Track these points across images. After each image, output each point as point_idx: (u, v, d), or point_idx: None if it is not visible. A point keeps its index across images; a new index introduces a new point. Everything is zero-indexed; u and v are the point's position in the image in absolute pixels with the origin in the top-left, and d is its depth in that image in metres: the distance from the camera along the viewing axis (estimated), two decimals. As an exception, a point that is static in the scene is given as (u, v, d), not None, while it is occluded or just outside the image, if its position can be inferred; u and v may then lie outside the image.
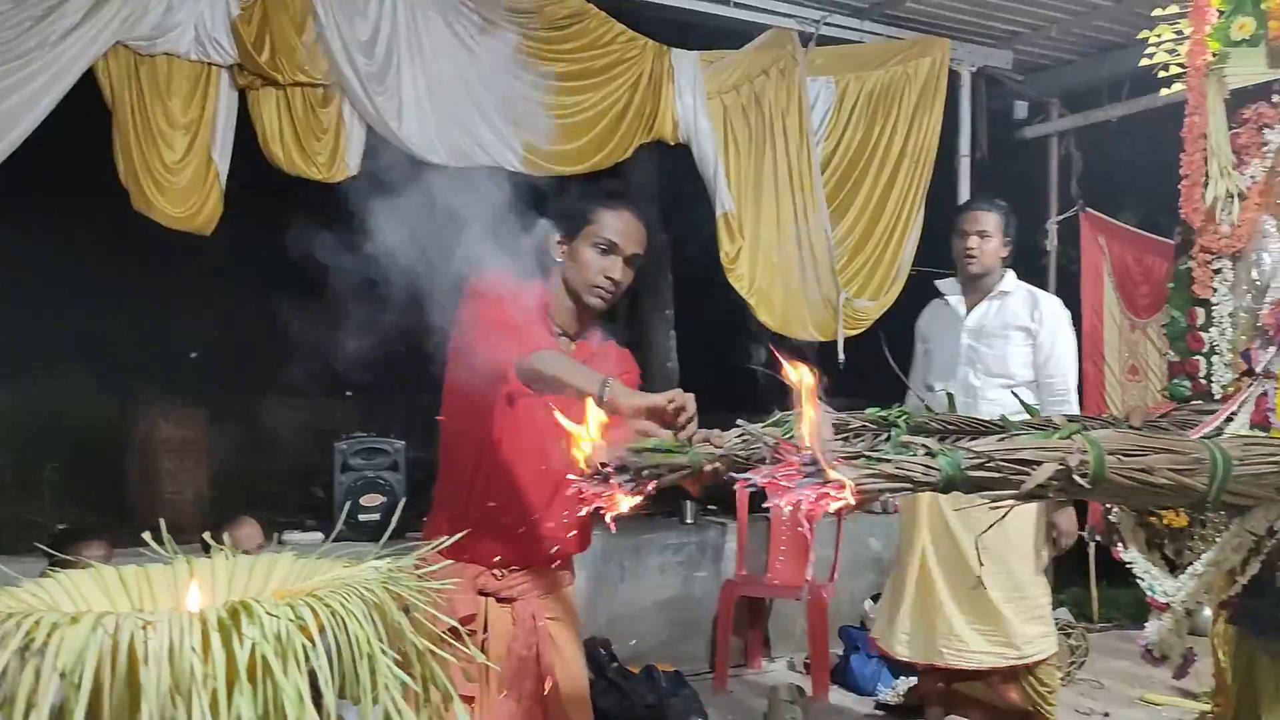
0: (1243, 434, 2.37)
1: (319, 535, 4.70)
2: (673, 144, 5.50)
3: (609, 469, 1.78)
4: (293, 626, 1.55)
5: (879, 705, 4.87)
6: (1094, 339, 6.66)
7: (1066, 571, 6.72)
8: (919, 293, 5.91)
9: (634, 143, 5.34)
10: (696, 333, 7.22)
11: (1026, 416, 2.56)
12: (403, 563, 1.83)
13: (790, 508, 1.60)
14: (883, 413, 2.39)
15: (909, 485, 1.62)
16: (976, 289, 4.20)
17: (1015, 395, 3.54)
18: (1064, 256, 6.74)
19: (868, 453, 1.64)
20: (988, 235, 4.10)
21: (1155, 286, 6.64)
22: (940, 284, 4.39)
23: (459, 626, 1.78)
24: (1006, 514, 2.09)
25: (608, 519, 1.81)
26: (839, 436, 2.23)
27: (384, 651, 1.66)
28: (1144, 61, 3.18)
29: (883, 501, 4.42)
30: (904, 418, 2.37)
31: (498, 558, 2.48)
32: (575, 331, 2.54)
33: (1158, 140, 3.22)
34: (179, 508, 5.46)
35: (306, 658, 1.55)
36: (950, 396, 2.78)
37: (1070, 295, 6.62)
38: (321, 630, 1.61)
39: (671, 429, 1.97)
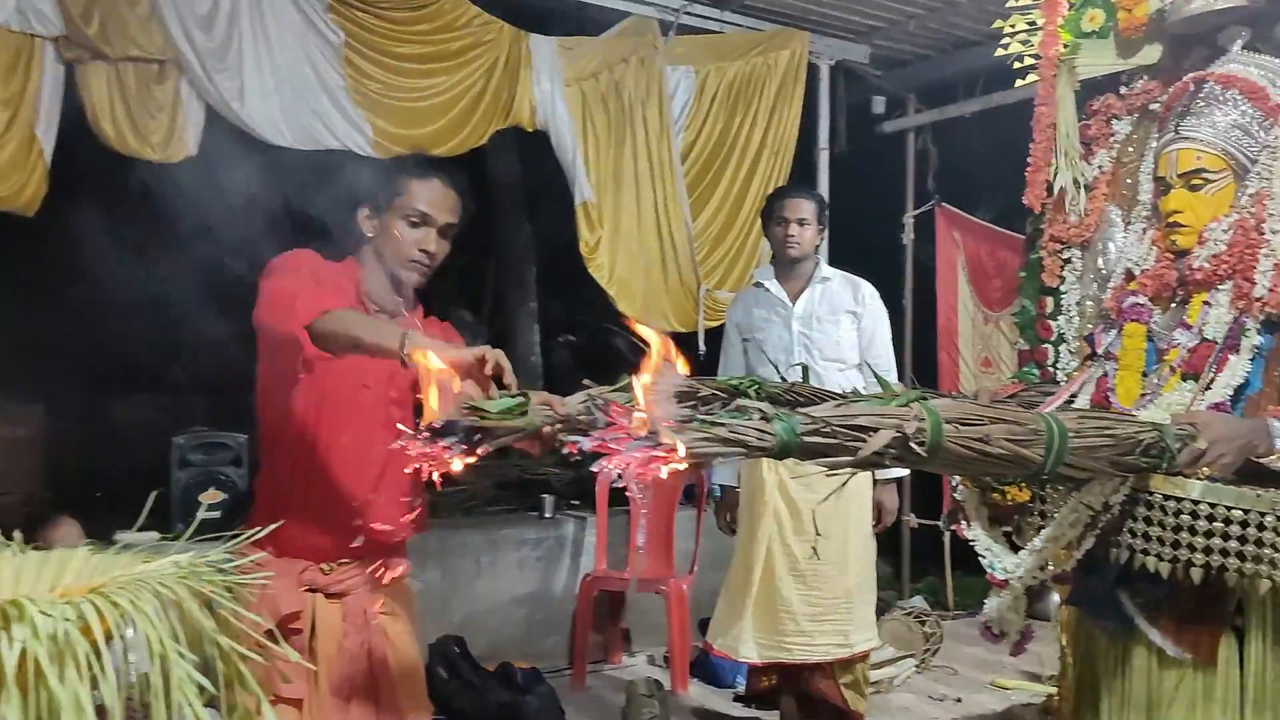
0: (1079, 408, 2.38)
1: (155, 535, 4.44)
2: (530, 131, 5.39)
3: (437, 428, 1.68)
4: (72, 627, 1.41)
5: (737, 697, 4.85)
6: (949, 331, 6.78)
7: (922, 560, 6.84)
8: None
9: (490, 128, 5.22)
10: (561, 325, 7.12)
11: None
12: (209, 557, 1.70)
13: (619, 472, 1.53)
14: (733, 380, 2.36)
15: (743, 450, 1.57)
16: (796, 276, 4.24)
17: (875, 373, 3.56)
18: (920, 251, 6.83)
19: (701, 416, 1.58)
20: (806, 222, 4.15)
21: (1008, 281, 6.78)
22: (757, 273, 4.46)
23: (274, 629, 1.64)
24: (846, 483, 2.06)
25: (435, 478, 1.71)
26: (687, 403, 2.18)
27: (181, 654, 1.53)
28: (999, 52, 3.20)
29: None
30: (754, 386, 2.34)
31: (324, 550, 2.35)
32: (394, 309, 2.42)
33: (1011, 137, 3.25)
34: (8, 509, 5.14)
35: (89, 662, 1.42)
36: (805, 369, 2.76)
37: (926, 288, 6.75)
38: (109, 636, 1.47)
39: (487, 388, 1.87)
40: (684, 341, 5.76)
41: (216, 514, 4.53)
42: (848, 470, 1.73)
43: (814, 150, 6.33)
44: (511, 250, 6.74)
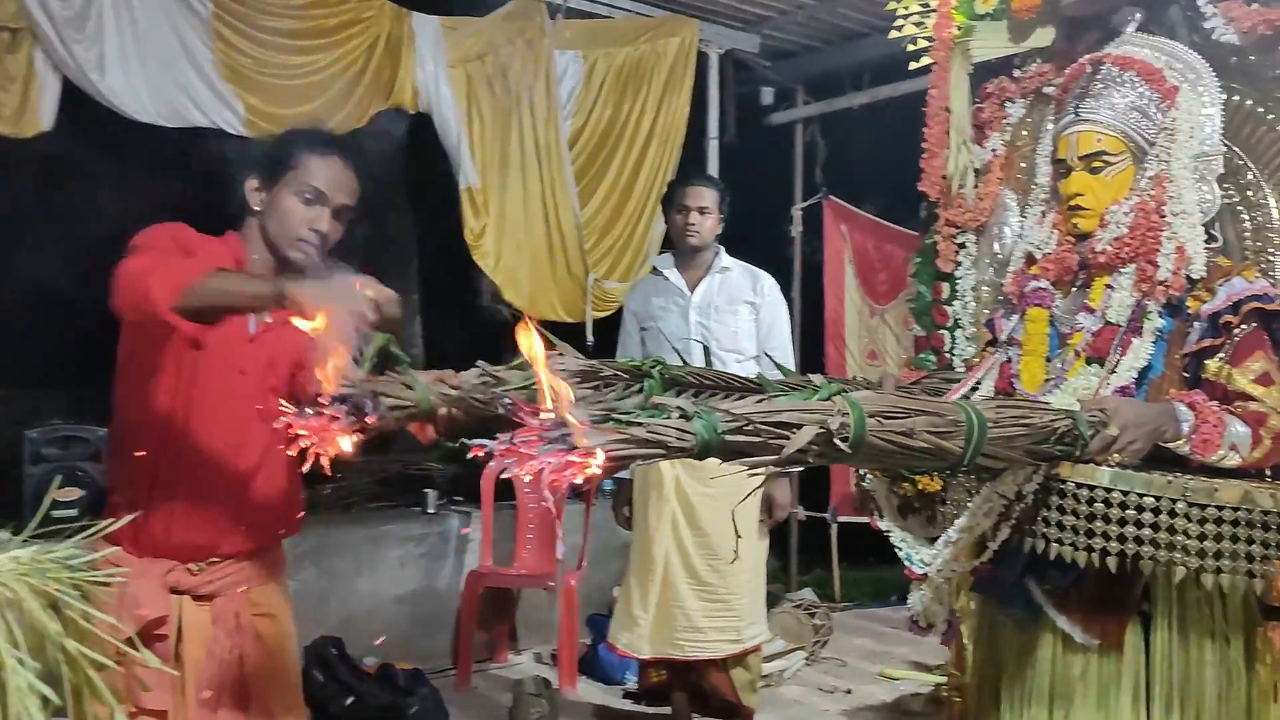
0: (993, 397, 2.32)
1: (5, 534, 4.15)
2: (413, 113, 5.20)
3: (323, 401, 1.53)
4: (-112, 634, 1.23)
5: (627, 694, 4.75)
6: (835, 323, 6.78)
7: (810, 553, 6.84)
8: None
9: (371, 109, 5.01)
10: (444, 317, 6.89)
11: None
12: (55, 553, 1.52)
13: (530, 477, 1.41)
14: (636, 362, 2.27)
15: (662, 451, 1.46)
16: (696, 265, 4.18)
17: (776, 363, 3.52)
18: (807, 243, 6.82)
19: (617, 415, 1.46)
20: (707, 211, 4.10)
21: (894, 274, 6.83)
22: (657, 261, 4.39)
23: (133, 635, 1.47)
24: (765, 482, 1.96)
25: (322, 461, 1.56)
26: (589, 384, 2.08)
27: (21, 660, 1.35)
28: (893, 34, 3.15)
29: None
30: (658, 367, 2.27)
31: (192, 549, 2.16)
32: None
33: (897, 131, 3.22)
34: None
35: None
36: (706, 350, 2.67)
37: (813, 281, 6.74)
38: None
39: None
40: (572, 332, 5.65)
41: (72, 511, 4.24)
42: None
43: (703, 140, 6.27)
44: (393, 237, 6.51)
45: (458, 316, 6.64)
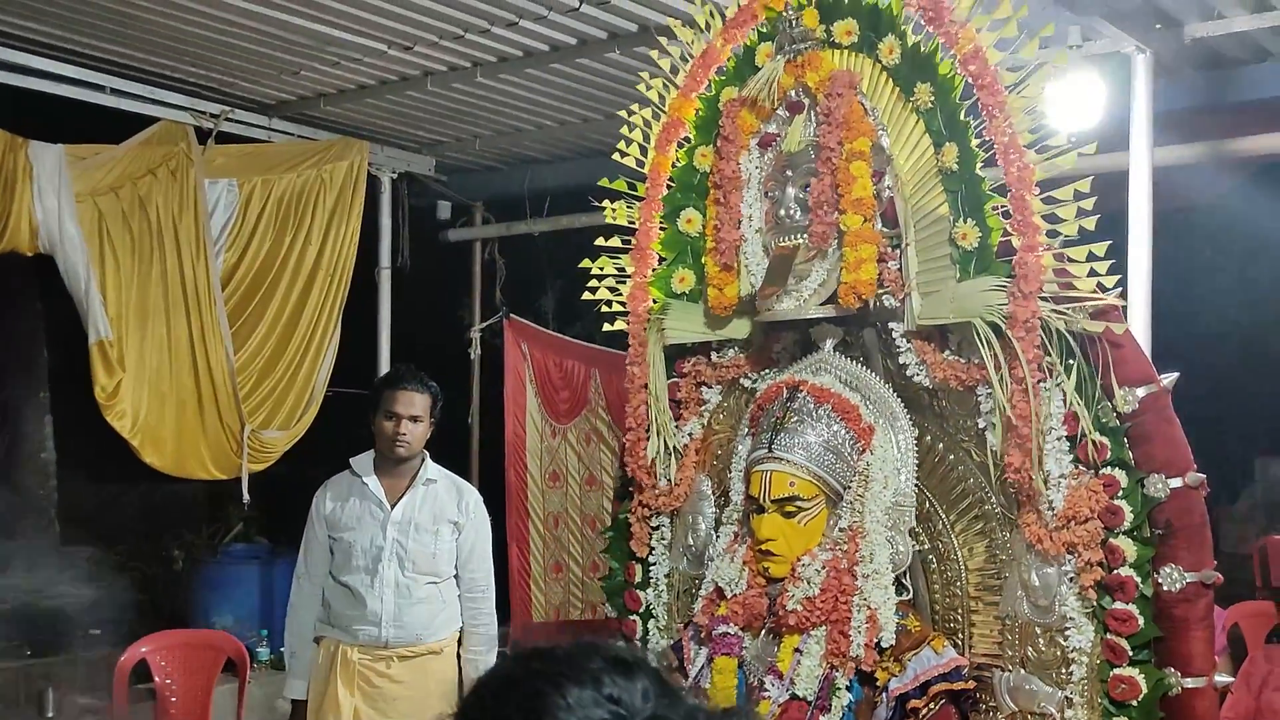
0: None
1: None
2: (31, 255, 4.49)
3: None
4: None
5: None
6: (517, 447, 6.51)
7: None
8: (335, 416, 5.39)
9: (-23, 253, 4.30)
10: (81, 491, 6.06)
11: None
12: None
13: None
14: None
15: None
16: (399, 474, 3.81)
17: None
18: (488, 364, 6.53)
19: None
20: (419, 419, 3.75)
21: (574, 391, 6.64)
22: (356, 463, 3.88)
23: None
24: None
25: None
26: None
27: None
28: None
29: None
30: None
31: None
32: None
33: (579, 256, 2.95)
34: None
35: None
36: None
37: (495, 401, 6.45)
38: None
39: None
40: (227, 489, 5.10)
41: None
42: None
43: (375, 268, 5.85)
44: (19, 401, 5.65)
45: (102, 490, 5.87)
